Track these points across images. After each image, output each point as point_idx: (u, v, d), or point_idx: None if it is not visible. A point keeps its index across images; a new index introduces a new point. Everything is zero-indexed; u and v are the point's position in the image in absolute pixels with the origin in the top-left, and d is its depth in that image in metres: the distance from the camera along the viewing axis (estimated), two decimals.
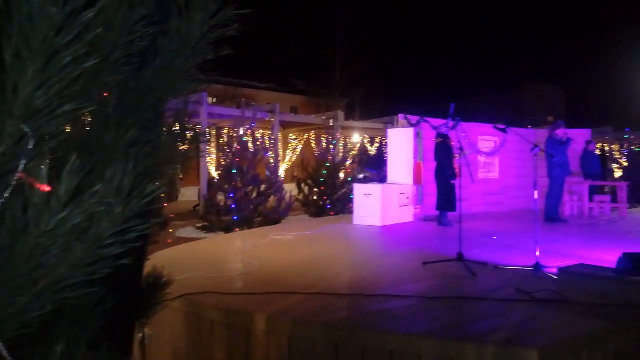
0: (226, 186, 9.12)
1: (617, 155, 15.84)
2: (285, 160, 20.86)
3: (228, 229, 8.54)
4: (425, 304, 3.34)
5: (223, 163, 9.90)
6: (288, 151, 21.19)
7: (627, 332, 2.95)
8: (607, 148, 17.05)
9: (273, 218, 9.17)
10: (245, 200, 8.95)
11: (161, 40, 1.01)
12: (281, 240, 6.28)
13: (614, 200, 9.78)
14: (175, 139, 1.14)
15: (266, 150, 11.52)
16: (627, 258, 3.72)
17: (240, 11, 1.08)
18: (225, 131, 17.97)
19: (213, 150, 17.79)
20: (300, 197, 11.29)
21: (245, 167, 9.26)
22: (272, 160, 12.22)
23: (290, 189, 12.67)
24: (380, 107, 29.30)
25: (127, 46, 0.84)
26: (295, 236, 6.56)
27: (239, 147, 9.57)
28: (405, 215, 8.42)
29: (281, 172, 19.92)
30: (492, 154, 10.79)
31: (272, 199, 9.89)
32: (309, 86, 31.43)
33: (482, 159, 10.68)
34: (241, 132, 9.89)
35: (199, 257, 5.26)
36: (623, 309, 3.12)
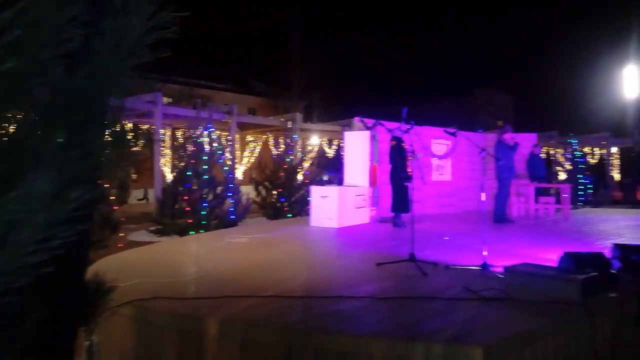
0: (180, 188, 8.93)
1: (561, 159, 16.69)
2: (243, 162, 20.64)
3: (182, 232, 8.36)
4: (377, 304, 3.40)
5: (178, 165, 9.69)
6: (246, 153, 20.97)
7: (566, 328, 3.11)
8: (552, 152, 17.94)
9: (229, 221, 9.06)
10: (201, 203, 8.80)
11: (95, 41, 0.99)
12: (237, 243, 6.21)
13: (558, 201, 10.29)
14: (116, 141, 1.10)
15: (223, 151, 11.37)
16: (568, 257, 3.92)
17: (179, 13, 1.06)
18: (181, 132, 17.59)
19: (168, 151, 17.37)
20: (258, 199, 11.21)
21: (200, 169, 9.10)
22: (229, 162, 12.07)
23: (248, 191, 12.56)
24: (339, 110, 29.56)
25: (57, 47, 0.81)
26: (251, 239, 6.51)
27: (194, 149, 9.39)
28: (362, 216, 8.52)
29: (239, 174, 19.74)
30: (445, 157, 11.11)
31: (228, 201, 9.77)
32: (268, 88, 31.28)
33: (435, 161, 10.98)
34: (197, 134, 9.72)
35: (150, 261, 5.12)
36: (563, 306, 3.28)
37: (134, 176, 25.06)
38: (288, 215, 10.50)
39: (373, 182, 9.20)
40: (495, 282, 3.89)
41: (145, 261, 5.11)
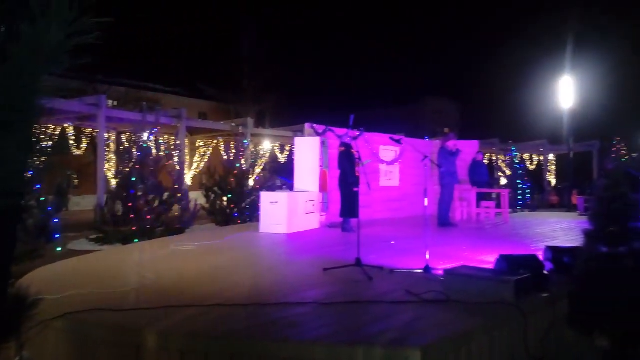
0: (124, 194, 8.62)
1: (502, 165, 17.52)
2: (193, 168, 20.21)
3: (126, 240, 8.06)
4: (323, 309, 3.42)
5: (122, 170, 9.34)
6: (196, 158, 20.56)
7: (500, 327, 3.26)
8: (494, 158, 18.78)
9: (176, 228, 8.83)
10: (146, 210, 8.52)
11: (10, 45, 0.95)
12: (182, 250, 6.07)
13: (498, 205, 10.78)
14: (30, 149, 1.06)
15: (170, 156, 11.09)
16: (503, 259, 4.12)
17: (102, 19, 1.04)
18: (126, 136, 17.00)
19: (113, 156, 16.73)
20: (207, 205, 11.00)
21: (146, 174, 8.83)
22: (177, 167, 11.79)
23: (198, 196, 12.30)
24: (291, 115, 29.60)
25: None
26: (197, 246, 6.38)
27: (139, 154, 9.10)
28: (311, 222, 8.56)
29: (188, 180, 19.30)
30: (392, 163, 11.37)
31: (175, 207, 9.53)
32: (219, 92, 30.85)
33: (383, 167, 11.21)
34: (144, 138, 9.43)
35: (89, 271, 4.91)
36: (498, 306, 3.44)
37: (75, 182, 23.96)
38: (238, 222, 10.37)
39: (323, 187, 9.27)
40: (436, 284, 4.03)
41: (83, 271, 4.89)
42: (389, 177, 11.44)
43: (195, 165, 20.35)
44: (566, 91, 14.73)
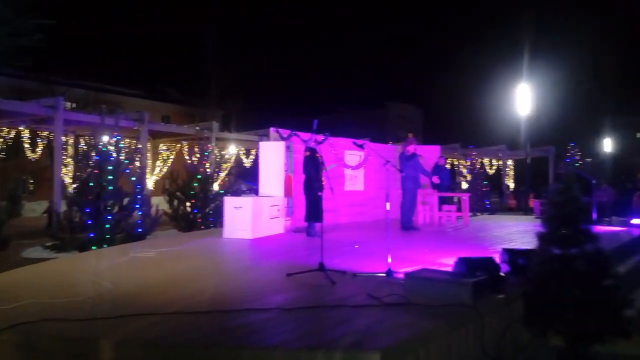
0: (82, 200, 8.34)
1: (464, 169, 17.98)
2: (155, 172, 19.78)
3: (83, 247, 7.79)
4: (284, 315, 3.41)
5: (80, 175, 9.05)
6: (158, 162, 20.12)
7: (457, 328, 3.34)
8: (455, 162, 19.26)
9: (137, 234, 8.60)
10: (105, 216, 8.27)
11: None
12: (142, 257, 5.91)
13: (459, 209, 11.04)
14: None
15: (131, 161, 10.82)
16: (461, 262, 4.22)
17: (42, 21, 1.01)
18: (84, 140, 16.47)
19: (70, 160, 16.17)
20: (170, 210, 10.78)
21: (105, 179, 8.57)
22: (138, 172, 11.49)
23: (161, 202, 12.04)
24: (257, 120, 29.47)
25: None
26: (158, 253, 6.23)
27: (98, 158, 8.83)
28: (276, 227, 8.52)
29: (150, 185, 18.87)
30: (357, 168, 11.47)
31: (136, 213, 9.29)
32: (184, 95, 30.37)
33: (348, 172, 11.30)
34: (104, 141, 9.16)
35: (43, 280, 4.72)
36: (456, 308, 3.52)
37: (31, 187, 23.00)
38: (202, 227, 10.21)
39: (288, 192, 9.25)
40: (397, 288, 4.08)
41: (37, 280, 4.70)
42: (354, 181, 11.53)
43: (157, 169, 19.92)
44: (523, 98, 15.25)
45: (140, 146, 15.78)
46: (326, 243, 6.99)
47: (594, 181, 10.81)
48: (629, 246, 7.45)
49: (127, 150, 13.81)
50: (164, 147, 20.35)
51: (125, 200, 8.91)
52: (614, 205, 12.84)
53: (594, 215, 10.26)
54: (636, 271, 6.36)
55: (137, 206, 9.06)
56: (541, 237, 4.09)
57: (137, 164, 13.60)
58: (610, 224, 10.19)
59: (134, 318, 3.25)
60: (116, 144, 9.47)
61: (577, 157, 15.10)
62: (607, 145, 21.49)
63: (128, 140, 16.39)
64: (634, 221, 9.77)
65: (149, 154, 18.52)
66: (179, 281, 4.58)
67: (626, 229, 9.45)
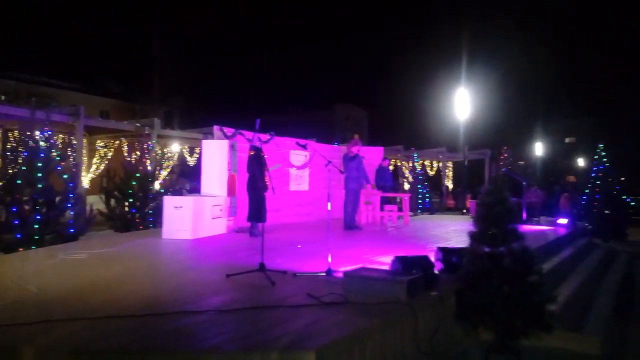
0: (8, 198, 7.78)
1: (406, 171, 18.50)
2: (91, 170, 18.84)
3: (8, 249, 7.28)
4: (221, 317, 3.36)
5: (7, 172, 8.43)
6: (95, 159, 19.18)
7: (393, 325, 3.42)
8: (398, 164, 19.78)
9: (68, 235, 8.14)
10: (33, 215, 7.76)
11: None
12: (72, 259, 5.62)
13: (400, 209, 11.35)
14: None
15: (64, 157, 10.23)
16: (398, 260, 4.33)
17: None
18: (13, 135, 15.40)
19: None
20: (106, 210, 10.28)
21: (34, 176, 8.04)
22: (72, 169, 10.89)
23: (97, 201, 11.47)
24: (202, 118, 28.81)
25: None
26: (91, 254, 5.95)
27: (26, 154, 8.28)
28: (218, 227, 8.37)
29: (86, 183, 17.97)
30: (302, 168, 11.50)
31: (68, 213, 8.78)
32: (124, 90, 29.16)
33: (293, 172, 11.30)
34: (31, 137, 8.59)
35: None
36: (392, 305, 3.61)
37: None
38: (140, 228, 9.83)
39: (231, 191, 9.11)
40: (336, 287, 4.13)
41: None
42: (299, 181, 11.55)
43: (94, 167, 18.99)
44: (462, 103, 15.88)
45: (75, 142, 14.95)
46: (269, 243, 6.98)
47: (524, 183, 11.46)
48: (554, 244, 7.96)
49: (60, 146, 13.07)
50: (102, 144, 19.41)
51: (57, 199, 8.41)
52: (542, 206, 13.70)
53: (524, 215, 10.88)
54: (560, 268, 6.80)
55: (70, 205, 8.58)
56: (472, 236, 4.28)
57: (71, 160, 12.88)
58: (538, 224, 10.84)
59: (59, 323, 3.08)
60: (47, 140, 8.91)
61: (510, 160, 15.93)
62: (538, 149, 22.83)
63: (62, 135, 15.50)
64: (560, 221, 10.45)
65: (84, 151, 17.58)
66: (111, 284, 4.39)
67: (553, 228, 10.09)
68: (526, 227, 9.53)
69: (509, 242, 4.16)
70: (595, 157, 14.57)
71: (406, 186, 17.81)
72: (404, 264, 4.24)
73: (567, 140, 43.65)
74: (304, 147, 5.67)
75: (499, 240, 4.14)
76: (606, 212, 13.16)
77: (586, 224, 12.05)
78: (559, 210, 13.55)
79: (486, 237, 4.20)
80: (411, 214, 12.25)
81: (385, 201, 11.06)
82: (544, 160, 23.04)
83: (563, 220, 10.38)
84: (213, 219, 8.22)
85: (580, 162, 19.04)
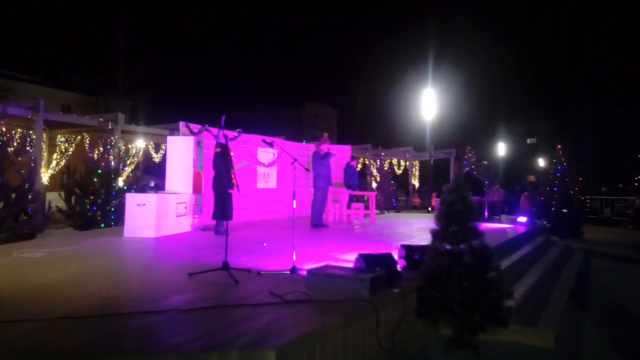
0: None
1: (374, 169, 18.69)
2: (52, 166, 18.20)
3: None
4: (181, 316, 3.30)
5: None
6: (55, 155, 18.52)
7: (355, 323, 3.44)
8: (366, 162, 19.95)
9: (25, 233, 7.84)
10: None
11: None
12: (28, 258, 5.42)
13: (367, 207, 11.46)
14: None
15: (22, 152, 9.83)
16: (361, 258, 4.37)
17: None
18: None
19: None
20: (65, 207, 9.95)
21: None
22: (31, 165, 10.48)
23: (57, 198, 11.08)
24: (169, 114, 28.26)
25: None
26: (48, 253, 5.75)
27: None
28: (183, 225, 8.23)
29: (45, 179, 17.34)
30: (271, 165, 11.45)
31: (26, 210, 8.46)
32: (88, 84, 28.24)
33: (261, 169, 11.23)
34: None
35: None
36: (354, 302, 3.63)
37: None
38: (101, 226, 9.56)
39: (197, 189, 8.98)
40: (301, 285, 4.12)
41: None
42: (267, 179, 11.49)
43: (54, 163, 18.34)
44: (428, 103, 16.14)
45: (34, 137, 14.40)
46: (235, 241, 6.93)
47: (486, 182, 11.77)
48: (514, 242, 8.19)
49: (18, 141, 12.55)
50: (63, 139, 18.77)
51: (13, 196, 8.08)
52: (504, 204, 14.10)
53: (486, 214, 11.17)
54: (519, 265, 7.02)
55: (27, 202, 8.26)
56: (434, 233, 4.37)
57: (30, 156, 12.40)
58: (499, 222, 11.15)
59: (9, 325, 2.97)
60: (3, 134, 8.55)
61: (473, 160, 16.31)
62: (501, 149, 23.45)
63: (20, 130, 14.89)
64: (520, 219, 10.78)
65: (44, 146, 16.95)
66: (67, 284, 4.26)
67: (513, 226, 10.40)
68: (487, 225, 9.80)
69: (469, 240, 4.26)
70: (554, 157, 15.10)
71: (373, 185, 17.98)
72: (367, 261, 4.28)
73: (528, 141, 45.08)
74: (270, 144, 5.64)
75: (460, 238, 4.24)
76: (564, 210, 13.66)
77: (544, 222, 12.48)
78: (520, 209, 13.99)
79: (447, 234, 4.29)
80: (378, 212, 12.38)
81: (352, 199, 11.14)
82: (506, 160, 23.71)
83: (522, 219, 10.71)
84: (177, 216, 8.09)
85: (541, 162, 19.66)
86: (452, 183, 4.51)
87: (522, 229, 9.79)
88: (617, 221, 17.99)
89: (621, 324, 5.63)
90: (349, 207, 10.89)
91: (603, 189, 22.37)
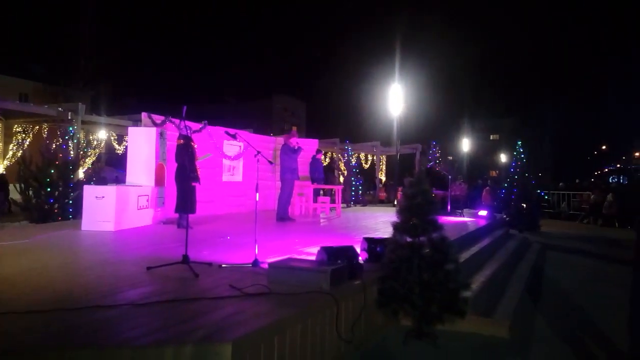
0: None
1: (341, 163, 18.78)
2: (7, 157, 17.46)
3: None
4: (136, 310, 3.23)
5: None
6: (12, 145, 17.77)
7: (315, 315, 3.45)
8: (334, 156, 20.03)
9: None
10: None
11: None
12: None
13: (333, 201, 11.51)
14: None
15: None
16: (323, 251, 4.39)
17: None
18: None
19: None
20: (20, 199, 9.56)
21: None
22: None
23: (13, 190, 10.63)
24: (133, 105, 27.54)
25: None
26: None
27: None
28: (144, 218, 8.05)
29: (0, 170, 16.63)
30: (236, 158, 11.32)
31: None
32: (47, 72, 27.14)
33: (227, 162, 11.10)
34: None
35: None
36: (315, 295, 3.64)
37: None
38: (59, 218, 9.23)
39: (159, 181, 8.79)
40: (262, 278, 4.11)
41: None
42: (232, 172, 11.37)
43: (10, 154, 17.60)
44: (395, 98, 16.29)
45: None
46: (198, 235, 6.84)
47: (449, 177, 12.01)
48: (474, 235, 8.41)
49: None
50: (20, 129, 18.00)
51: None
52: (466, 198, 14.44)
53: (448, 207, 11.41)
54: (478, 257, 7.21)
55: None
56: (395, 226, 4.43)
57: None
58: (462, 215, 11.41)
59: None
60: None
61: (436, 155, 16.62)
62: (465, 145, 23.98)
63: None
64: (481, 213, 11.07)
65: (0, 136, 16.24)
66: (19, 278, 4.09)
67: (474, 219, 10.66)
68: (449, 219, 10.01)
69: (429, 232, 4.34)
70: (515, 153, 15.55)
71: (341, 179, 18.07)
72: (329, 254, 4.30)
73: (491, 137, 46.27)
74: (233, 136, 5.58)
75: (420, 230, 4.32)
76: (522, 205, 14.10)
77: (504, 216, 12.86)
78: (481, 203, 14.36)
79: (408, 227, 4.36)
80: (344, 205, 12.45)
81: (318, 193, 11.16)
82: (469, 156, 24.25)
83: (483, 212, 11.00)
84: (139, 209, 7.90)
85: (503, 158, 20.19)
86: (411, 176, 4.59)
87: (482, 223, 10.05)
88: (573, 215, 18.73)
89: (572, 314, 5.87)
90: (314, 200, 10.91)
91: (560, 184, 23.20)
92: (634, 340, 3.40)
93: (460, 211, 11.56)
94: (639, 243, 3.53)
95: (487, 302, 5.33)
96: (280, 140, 11.71)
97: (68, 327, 2.85)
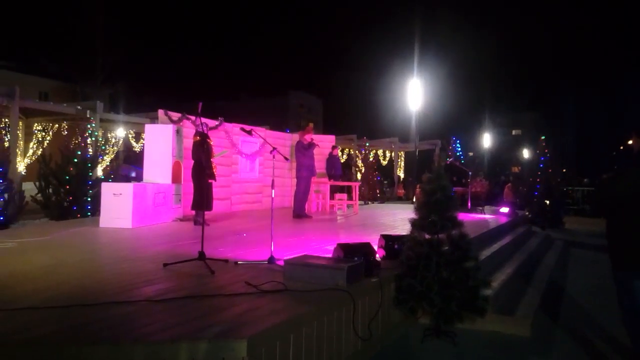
0: None
1: (358, 160, 18.66)
2: (28, 155, 17.78)
3: None
4: (153, 307, 3.21)
5: None
6: (32, 144, 18.08)
7: (331, 312, 3.40)
8: (351, 153, 19.91)
9: None
10: None
11: None
12: None
13: (351, 197, 11.42)
14: None
15: None
16: (340, 248, 4.32)
17: None
18: None
19: None
20: (39, 197, 9.71)
21: None
22: (6, 153, 10.20)
23: (34, 188, 10.82)
24: (151, 102, 27.80)
25: None
26: (19, 243, 5.59)
27: None
28: (161, 215, 8.09)
29: (21, 168, 16.93)
30: (253, 155, 11.31)
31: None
32: (66, 71, 27.58)
33: (243, 159, 11.10)
34: None
35: None
36: (331, 292, 3.58)
37: None
38: (78, 216, 9.35)
39: (176, 179, 8.82)
40: (278, 275, 4.06)
41: None
42: (249, 169, 11.37)
43: (31, 152, 17.92)
44: (414, 93, 16.09)
45: (9, 125, 14.01)
46: (215, 231, 6.84)
47: (470, 173, 11.81)
48: (495, 232, 8.24)
49: None
50: (40, 127, 18.32)
51: None
52: (487, 195, 14.18)
53: (469, 204, 11.22)
54: (499, 254, 7.05)
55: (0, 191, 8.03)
56: (413, 223, 4.34)
57: (6, 144, 12.08)
58: (482, 213, 11.22)
59: None
60: None
61: (455, 151, 16.37)
62: (486, 140, 23.57)
63: None
64: (502, 210, 10.86)
65: (20, 134, 16.51)
66: (37, 274, 4.12)
67: (495, 216, 10.47)
68: (470, 216, 9.84)
69: (448, 229, 4.24)
70: (537, 150, 15.21)
71: (358, 176, 17.96)
72: (345, 251, 4.23)
73: (513, 132, 45.49)
74: (249, 132, 5.54)
75: (439, 227, 4.22)
76: (545, 201, 13.80)
77: (526, 213, 12.60)
78: (503, 200, 14.10)
79: (426, 224, 4.26)
80: (361, 202, 12.35)
81: (335, 190, 11.09)
82: (491, 152, 23.86)
83: (505, 209, 10.79)
84: (156, 207, 7.94)
85: (525, 153, 19.79)
86: (430, 172, 4.47)
87: (503, 220, 9.85)
88: None
89: (595, 312, 5.69)
90: (332, 197, 10.84)
91: (585, 180, 22.69)
92: (634, 341, 3.37)
93: (481, 208, 11.36)
94: (612, 245, 3.53)
95: (508, 301, 5.20)
96: (295, 137, 11.66)
97: (85, 322, 2.84)
